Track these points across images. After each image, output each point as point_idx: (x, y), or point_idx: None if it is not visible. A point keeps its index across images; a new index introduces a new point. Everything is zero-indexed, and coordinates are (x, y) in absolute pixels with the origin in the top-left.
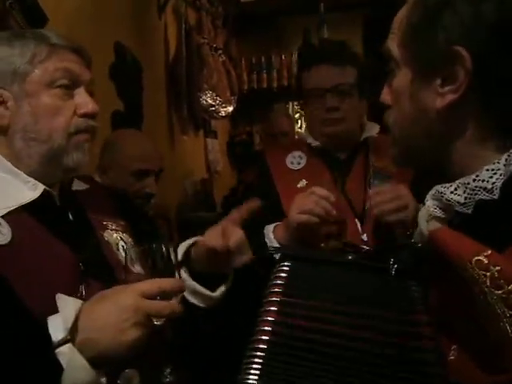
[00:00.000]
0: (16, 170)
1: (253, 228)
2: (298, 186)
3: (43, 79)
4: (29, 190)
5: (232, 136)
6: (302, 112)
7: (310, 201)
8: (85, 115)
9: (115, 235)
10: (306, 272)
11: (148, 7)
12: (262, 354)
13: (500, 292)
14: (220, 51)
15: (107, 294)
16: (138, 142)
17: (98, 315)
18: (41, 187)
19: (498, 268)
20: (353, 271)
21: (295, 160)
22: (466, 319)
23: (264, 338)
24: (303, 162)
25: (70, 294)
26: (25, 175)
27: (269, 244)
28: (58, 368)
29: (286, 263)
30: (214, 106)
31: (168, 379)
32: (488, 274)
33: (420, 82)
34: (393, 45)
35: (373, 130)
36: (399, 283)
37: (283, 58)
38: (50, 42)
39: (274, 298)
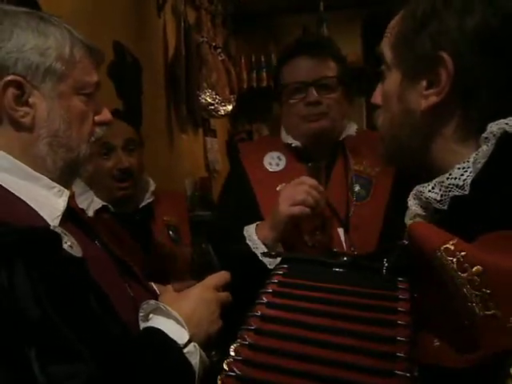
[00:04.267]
0: (38, 174)
1: (228, 233)
2: (278, 189)
3: (76, 84)
4: (55, 196)
5: (231, 135)
6: None
7: (301, 191)
8: (102, 123)
9: None
10: (301, 274)
11: (147, 6)
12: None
13: (465, 275)
14: (219, 50)
15: (187, 293)
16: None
17: (192, 312)
18: (67, 192)
19: (463, 253)
20: (347, 271)
21: (274, 161)
22: (443, 306)
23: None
24: (282, 163)
25: (128, 297)
26: (48, 180)
27: (252, 246)
28: (191, 367)
29: (283, 265)
30: (213, 104)
31: (214, 359)
32: (454, 259)
33: (407, 84)
34: (385, 48)
35: (351, 129)
36: (387, 279)
37: None
38: (81, 40)
39: (264, 299)
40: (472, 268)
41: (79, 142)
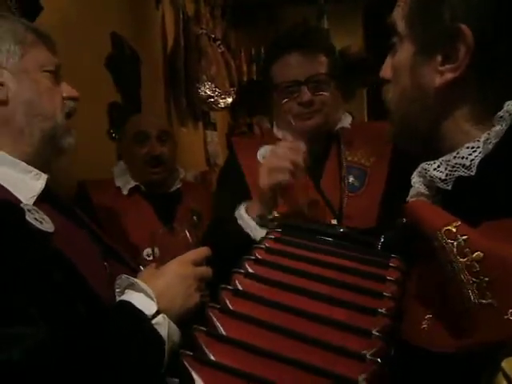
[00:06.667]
0: (14, 159)
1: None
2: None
3: (37, 61)
4: (32, 180)
5: (232, 128)
6: None
7: (276, 157)
8: (71, 98)
9: None
10: (295, 239)
11: None
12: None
13: (465, 260)
14: (219, 42)
15: (164, 269)
16: (137, 114)
17: (166, 287)
18: (44, 176)
19: (464, 237)
20: (341, 243)
21: (267, 154)
22: (438, 288)
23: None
24: None
25: (104, 275)
26: (25, 164)
27: (243, 225)
28: (160, 337)
29: (277, 229)
30: (212, 97)
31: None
32: (455, 242)
33: (421, 57)
34: (398, 18)
35: (345, 121)
36: (381, 254)
37: None
38: (33, 28)
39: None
40: (472, 254)
41: (54, 110)
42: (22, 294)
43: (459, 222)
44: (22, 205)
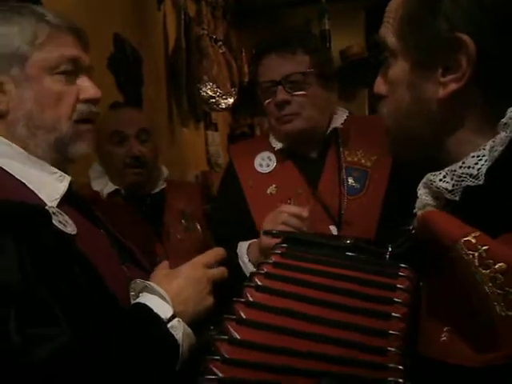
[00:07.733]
0: (39, 160)
1: (225, 240)
2: (268, 191)
3: (46, 64)
4: (56, 181)
5: (233, 128)
6: None
7: (279, 221)
8: (88, 101)
9: None
10: (301, 253)
11: None
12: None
13: (488, 271)
14: (220, 42)
15: (176, 272)
16: (112, 111)
17: (180, 290)
18: (68, 178)
19: (485, 247)
20: (349, 255)
21: (264, 162)
22: (456, 300)
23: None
24: (272, 163)
25: (124, 277)
26: (50, 166)
27: (242, 266)
28: (175, 341)
29: (282, 244)
30: (214, 97)
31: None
32: (476, 253)
33: (420, 72)
34: (388, 34)
35: (340, 119)
36: (389, 264)
37: None
38: (50, 21)
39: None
40: (495, 265)
41: (57, 123)
42: (48, 295)
43: (478, 233)
44: (47, 207)
